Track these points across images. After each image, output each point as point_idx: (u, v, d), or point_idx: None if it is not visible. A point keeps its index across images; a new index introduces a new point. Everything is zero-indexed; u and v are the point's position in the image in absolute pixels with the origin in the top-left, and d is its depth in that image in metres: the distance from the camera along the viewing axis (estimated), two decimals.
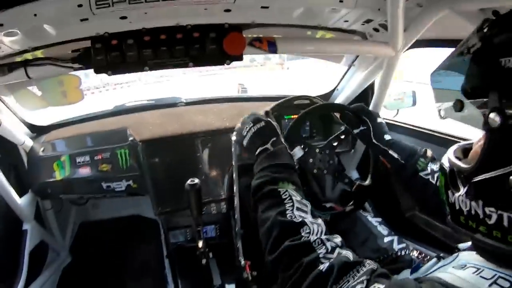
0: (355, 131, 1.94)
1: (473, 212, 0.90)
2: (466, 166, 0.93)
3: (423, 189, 1.65)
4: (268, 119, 1.55)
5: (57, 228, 3.17)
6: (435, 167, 1.66)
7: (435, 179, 1.62)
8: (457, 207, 0.96)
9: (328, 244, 1.07)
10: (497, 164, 0.83)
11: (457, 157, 1.01)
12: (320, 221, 1.17)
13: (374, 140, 1.86)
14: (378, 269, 0.99)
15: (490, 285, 0.83)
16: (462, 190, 0.94)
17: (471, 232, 0.93)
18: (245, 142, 1.54)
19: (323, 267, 1.00)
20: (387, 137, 1.87)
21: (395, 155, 1.76)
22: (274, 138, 1.45)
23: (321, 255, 1.04)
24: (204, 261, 2.35)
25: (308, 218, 1.16)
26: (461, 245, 1.20)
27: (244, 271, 2.22)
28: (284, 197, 1.22)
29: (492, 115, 0.82)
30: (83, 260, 3.33)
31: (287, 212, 1.17)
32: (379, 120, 1.93)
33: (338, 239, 1.11)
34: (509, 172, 0.80)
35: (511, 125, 0.80)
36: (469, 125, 0.94)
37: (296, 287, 1.04)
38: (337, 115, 2.78)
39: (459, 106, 0.93)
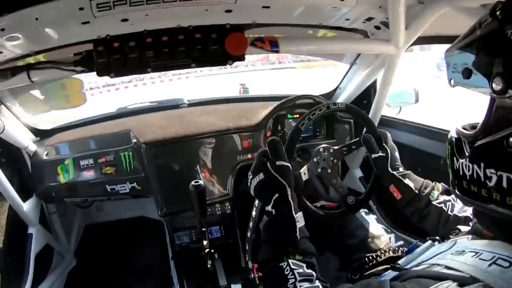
0: (373, 155, 1.92)
1: (475, 175, 0.93)
2: (471, 132, 0.98)
3: (437, 217, 1.65)
4: (268, 166, 1.41)
5: (62, 232, 3.18)
6: (446, 197, 1.68)
7: (447, 207, 1.63)
8: (461, 173, 1.00)
9: None
10: (499, 127, 0.87)
11: (464, 129, 1.04)
12: (317, 283, 1.19)
13: (390, 169, 1.85)
14: None
15: (489, 265, 0.87)
16: (466, 155, 0.98)
17: (473, 198, 0.96)
18: (252, 193, 1.47)
19: None
20: (401, 168, 1.86)
21: (411, 184, 1.76)
22: (276, 196, 1.35)
23: None
24: (209, 262, 2.35)
25: (309, 284, 1.18)
26: (462, 228, 1.22)
27: (251, 272, 2.22)
28: (286, 272, 1.21)
29: (496, 79, 0.85)
30: (88, 263, 3.34)
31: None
32: (396, 153, 1.93)
33: None
34: (508, 133, 0.84)
35: None
36: (475, 91, 0.98)
37: None
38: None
39: (467, 74, 0.97)
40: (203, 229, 2.31)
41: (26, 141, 2.65)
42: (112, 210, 3.76)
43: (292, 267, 1.21)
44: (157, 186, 2.52)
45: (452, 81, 1.06)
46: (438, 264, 0.94)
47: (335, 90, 3.11)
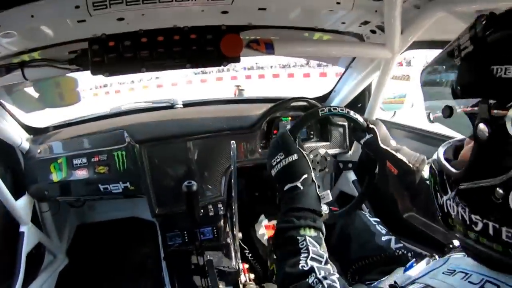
0: (362, 140, 1.91)
1: (460, 217, 0.89)
2: (454, 171, 0.92)
3: (426, 197, 1.64)
4: (300, 149, 1.47)
5: (54, 230, 3.15)
6: None
7: None
8: (445, 210, 0.96)
9: (325, 283, 1.06)
10: (484, 174, 0.81)
11: (447, 158, 0.99)
12: (329, 266, 1.17)
13: (382, 145, 1.84)
14: None
15: None
16: (450, 194, 0.93)
17: (459, 235, 0.93)
18: (273, 172, 1.48)
19: None
20: (393, 142, 1.85)
21: (404, 159, 1.75)
22: (305, 176, 1.39)
23: None
24: (201, 263, 2.34)
25: (319, 265, 1.15)
26: (456, 242, 1.21)
27: (242, 273, 2.22)
28: (301, 246, 1.20)
29: (481, 125, 0.79)
30: (80, 263, 3.32)
31: (300, 262, 1.15)
32: (384, 127, 1.91)
33: (335, 276, 1.11)
34: (495, 184, 0.78)
35: (499, 137, 0.77)
36: (458, 132, 0.93)
37: None
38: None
39: (448, 113, 0.91)
40: (196, 230, 2.31)
41: (20, 138, 2.63)
42: (104, 209, 3.74)
43: (307, 243, 1.20)
44: (150, 186, 2.52)
45: (431, 116, 1.01)
46: (432, 287, 0.91)
47: (329, 93, 3.12)
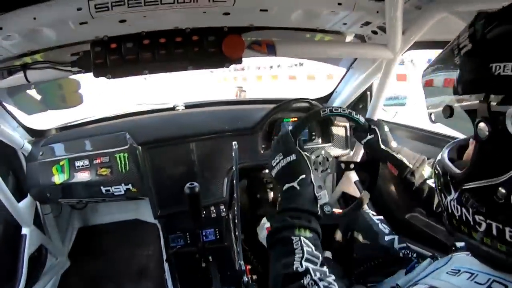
0: (363, 141, 1.91)
1: (464, 218, 0.89)
2: (457, 171, 0.92)
3: (428, 196, 1.65)
4: (299, 149, 1.49)
5: (56, 233, 3.16)
6: None
7: None
8: (450, 211, 0.95)
9: (321, 284, 1.04)
10: (486, 173, 0.81)
11: (451, 159, 0.99)
12: (325, 268, 1.14)
13: (382, 146, 1.84)
14: None
15: None
16: (453, 195, 0.93)
17: (464, 235, 0.92)
18: (273, 173, 1.51)
19: None
20: (394, 144, 1.86)
21: (404, 160, 1.75)
22: (303, 176, 1.39)
23: None
24: (203, 264, 2.34)
25: (315, 267, 1.12)
26: (458, 244, 1.20)
27: (244, 275, 2.22)
28: (295, 246, 1.17)
29: (481, 125, 0.79)
30: (82, 265, 3.32)
31: (295, 263, 1.12)
32: (386, 128, 1.92)
33: (331, 278, 1.10)
34: (497, 183, 0.78)
35: (500, 135, 0.77)
36: (459, 132, 0.93)
37: None
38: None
39: (448, 112, 0.91)
40: (198, 232, 2.30)
41: (22, 141, 2.62)
42: (106, 212, 3.74)
43: (302, 243, 1.18)
44: (152, 188, 2.52)
45: (433, 117, 1.01)
46: (436, 287, 0.90)
47: (331, 94, 3.12)
